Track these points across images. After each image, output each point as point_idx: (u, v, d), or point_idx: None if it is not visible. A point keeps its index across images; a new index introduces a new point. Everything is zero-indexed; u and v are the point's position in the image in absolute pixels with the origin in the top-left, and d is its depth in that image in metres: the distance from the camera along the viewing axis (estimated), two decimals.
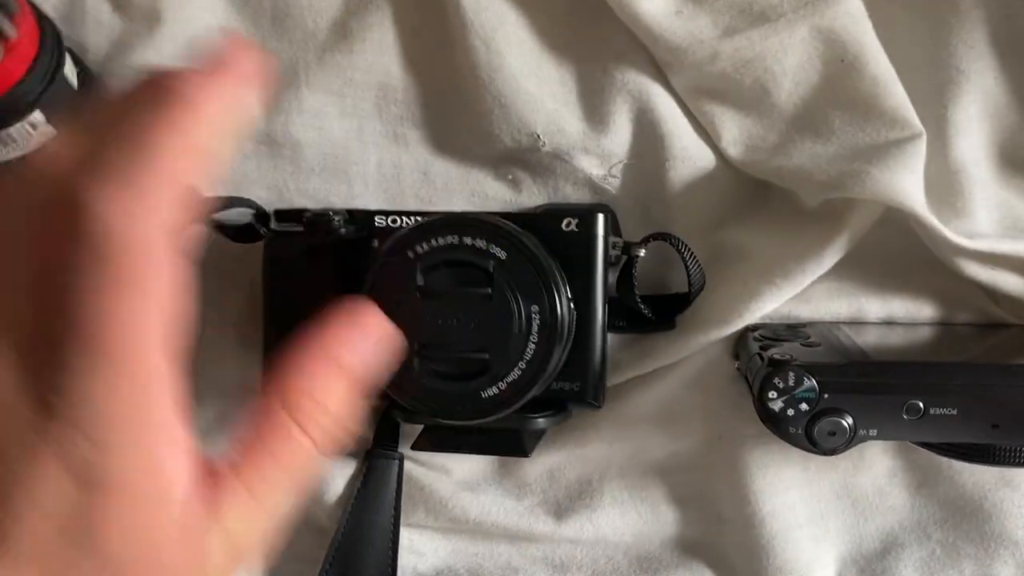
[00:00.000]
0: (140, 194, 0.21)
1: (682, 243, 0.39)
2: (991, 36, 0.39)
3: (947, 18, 0.40)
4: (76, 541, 0.21)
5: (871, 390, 0.34)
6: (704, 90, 0.40)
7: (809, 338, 0.38)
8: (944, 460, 0.40)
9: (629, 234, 0.41)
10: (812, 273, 0.38)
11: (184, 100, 0.22)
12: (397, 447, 0.43)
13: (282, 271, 0.39)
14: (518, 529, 0.42)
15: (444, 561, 0.44)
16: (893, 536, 0.41)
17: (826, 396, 0.34)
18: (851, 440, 0.35)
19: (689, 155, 0.40)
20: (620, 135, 0.40)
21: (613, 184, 0.41)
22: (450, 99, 0.42)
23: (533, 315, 0.34)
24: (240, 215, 0.40)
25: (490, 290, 0.34)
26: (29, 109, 0.38)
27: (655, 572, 0.43)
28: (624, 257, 0.39)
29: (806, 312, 0.40)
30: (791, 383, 0.34)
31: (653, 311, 0.40)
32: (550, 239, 0.36)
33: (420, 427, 0.41)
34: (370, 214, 0.37)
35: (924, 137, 0.38)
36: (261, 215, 0.40)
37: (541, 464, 0.43)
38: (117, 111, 0.22)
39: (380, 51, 0.42)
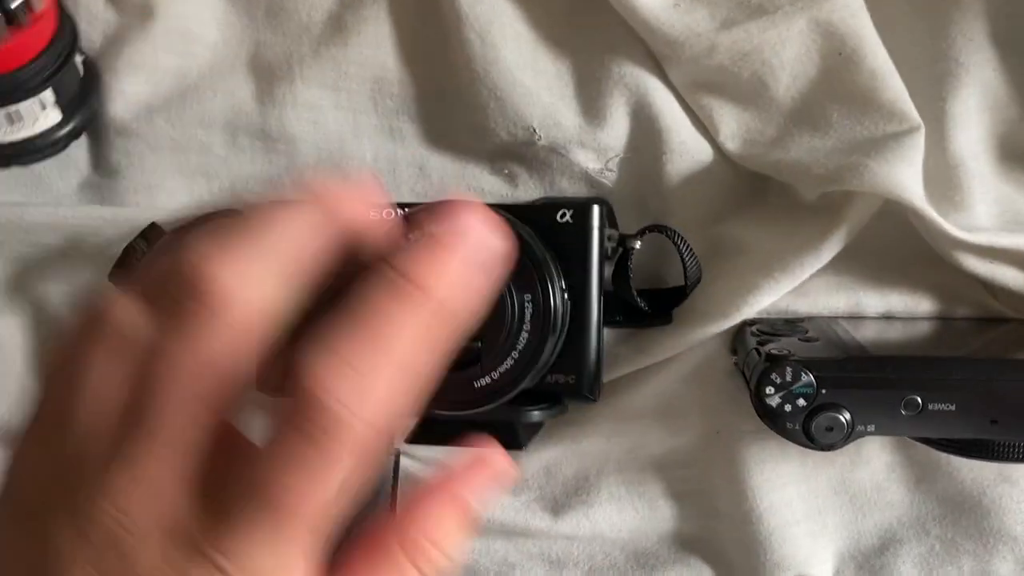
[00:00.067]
0: (373, 393, 0.21)
1: (678, 235, 0.39)
2: (990, 28, 0.39)
3: (946, 10, 0.39)
4: None
5: (869, 385, 0.34)
6: (702, 83, 0.40)
7: (807, 333, 0.38)
8: (943, 456, 0.40)
9: (626, 228, 0.41)
10: (810, 267, 0.38)
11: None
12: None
13: None
14: (514, 525, 0.42)
15: None
16: (891, 532, 0.41)
17: (824, 391, 0.34)
18: (849, 436, 0.34)
19: (687, 149, 0.40)
20: (617, 129, 0.40)
21: (610, 178, 0.41)
22: (446, 93, 0.41)
23: (526, 304, 0.34)
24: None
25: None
26: (42, 87, 0.39)
27: (652, 568, 0.42)
28: (620, 250, 0.39)
29: (804, 306, 0.40)
30: (788, 378, 0.34)
31: (649, 305, 0.40)
32: (545, 230, 0.35)
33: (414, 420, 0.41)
34: None
35: (922, 130, 0.38)
36: None
37: (538, 460, 0.43)
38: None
39: (375, 45, 0.41)
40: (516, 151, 0.41)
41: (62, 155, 0.42)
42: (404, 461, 0.42)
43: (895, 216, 0.38)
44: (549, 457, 0.43)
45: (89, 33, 0.42)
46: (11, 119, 0.39)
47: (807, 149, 0.39)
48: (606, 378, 0.41)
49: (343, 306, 0.21)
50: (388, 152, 0.42)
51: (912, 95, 0.38)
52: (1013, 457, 0.35)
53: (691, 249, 0.39)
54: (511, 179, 0.42)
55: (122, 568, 0.20)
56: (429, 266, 0.22)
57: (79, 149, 0.42)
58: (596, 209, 0.36)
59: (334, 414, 0.20)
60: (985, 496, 0.40)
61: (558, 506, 0.43)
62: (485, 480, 0.25)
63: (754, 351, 0.36)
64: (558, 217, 0.36)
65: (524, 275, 0.34)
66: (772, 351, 0.35)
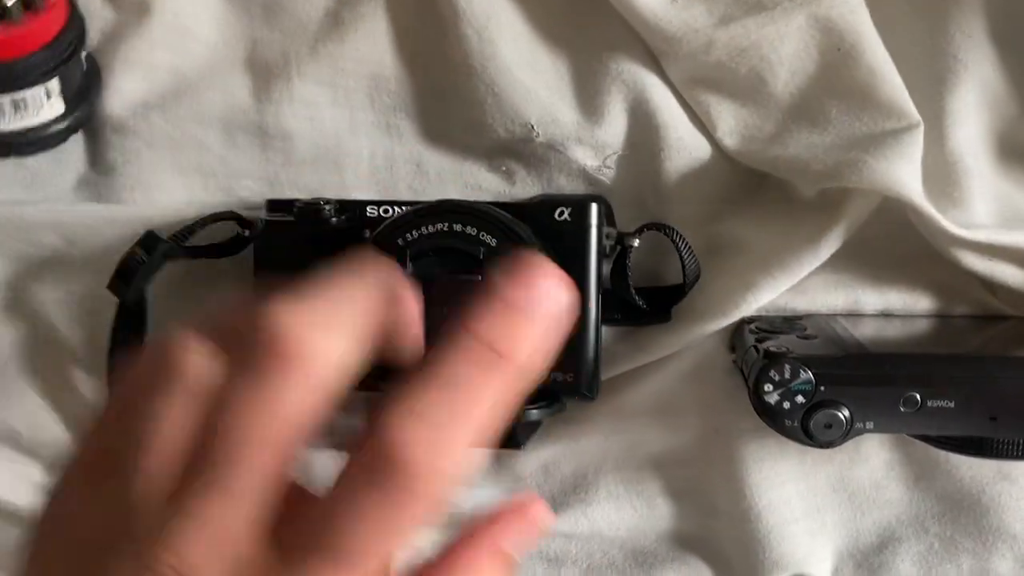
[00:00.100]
0: (451, 452, 0.22)
1: (677, 233, 0.39)
2: (990, 25, 0.39)
3: (945, 7, 0.39)
4: None
5: (868, 382, 0.34)
6: (700, 80, 0.40)
7: (806, 330, 0.38)
8: (942, 453, 0.40)
9: (624, 225, 0.40)
10: (808, 264, 0.38)
11: None
12: None
13: (273, 262, 0.38)
14: None
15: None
16: (890, 530, 0.41)
17: (822, 388, 0.34)
18: (848, 433, 0.34)
19: (685, 145, 0.40)
20: (615, 126, 0.40)
21: (608, 175, 0.41)
22: (443, 89, 0.41)
23: None
24: (222, 230, 0.40)
25: (480, 277, 0.33)
26: (50, 75, 0.39)
27: (650, 566, 0.42)
28: (618, 248, 0.39)
29: (803, 304, 0.40)
30: (787, 375, 0.34)
31: (648, 303, 0.40)
32: (543, 229, 0.35)
33: None
34: (361, 204, 0.37)
35: (921, 127, 0.38)
36: (245, 222, 0.40)
37: (536, 458, 0.43)
38: None
39: (372, 41, 0.41)
40: (514, 148, 0.41)
41: (59, 152, 0.42)
42: None
43: (894, 213, 0.38)
44: (547, 455, 0.43)
45: (87, 30, 0.42)
46: (16, 106, 0.39)
47: (806, 145, 0.39)
48: (604, 376, 0.41)
49: (427, 368, 0.23)
50: (385, 149, 0.42)
51: (911, 92, 0.38)
52: (1012, 454, 0.35)
53: (690, 247, 0.39)
54: (509, 176, 0.41)
55: None
56: (512, 336, 0.23)
57: (76, 146, 0.42)
58: (594, 208, 0.36)
59: (414, 473, 0.21)
60: (984, 494, 0.40)
61: (556, 504, 0.42)
62: (524, 530, 0.26)
63: (753, 348, 0.36)
64: (556, 216, 0.36)
65: None
66: (771, 348, 0.35)
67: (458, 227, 0.34)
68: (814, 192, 0.39)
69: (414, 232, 0.34)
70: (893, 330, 0.39)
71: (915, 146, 0.37)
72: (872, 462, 0.41)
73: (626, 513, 0.42)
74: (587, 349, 0.36)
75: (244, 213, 0.40)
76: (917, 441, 0.39)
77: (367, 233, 0.36)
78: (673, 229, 0.39)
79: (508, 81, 0.39)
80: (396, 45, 0.42)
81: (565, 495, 0.43)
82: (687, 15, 0.39)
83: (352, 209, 0.37)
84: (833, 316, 0.40)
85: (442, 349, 0.23)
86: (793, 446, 0.39)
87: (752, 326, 0.38)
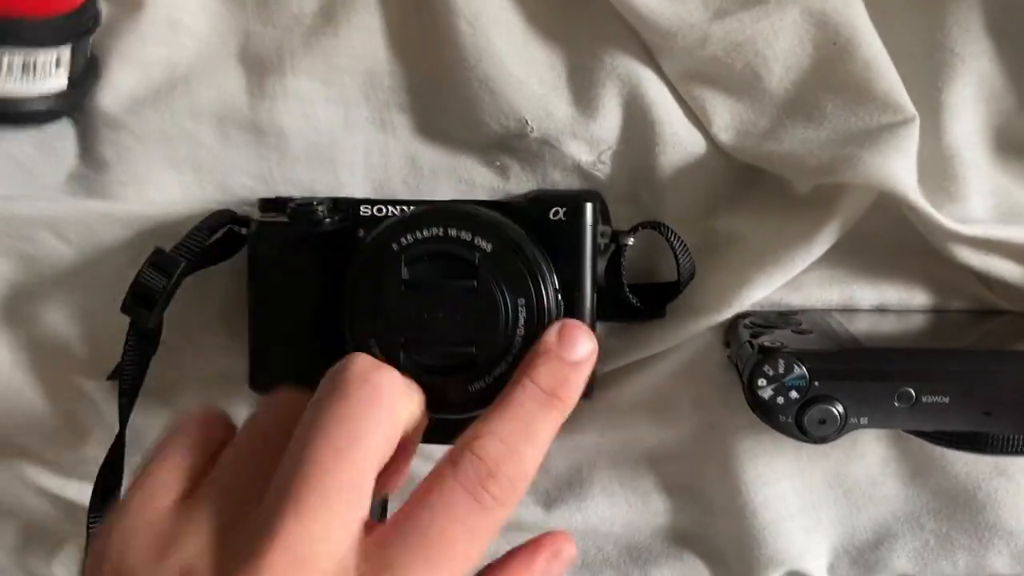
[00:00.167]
0: (522, 466, 0.30)
1: (671, 231, 0.39)
2: (987, 17, 0.39)
3: (942, 0, 0.39)
4: None
5: (862, 377, 0.34)
6: (695, 74, 0.40)
7: (800, 325, 0.37)
8: (937, 449, 0.40)
9: (619, 220, 0.40)
10: (803, 260, 0.38)
11: None
12: None
13: (267, 261, 0.38)
14: (507, 519, 0.42)
15: None
16: (886, 527, 0.41)
17: (816, 384, 0.34)
18: (842, 428, 0.34)
19: (680, 141, 0.40)
20: (609, 120, 0.40)
21: (602, 170, 0.41)
22: (437, 84, 0.41)
23: (520, 308, 0.34)
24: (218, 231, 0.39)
25: (475, 283, 0.33)
26: (65, 42, 0.38)
27: (645, 563, 0.42)
28: (613, 246, 0.39)
29: (797, 300, 0.40)
30: (781, 370, 0.34)
31: (643, 300, 0.39)
32: (537, 229, 0.35)
33: None
34: (355, 203, 0.37)
35: (917, 121, 0.37)
36: (240, 220, 0.39)
37: None
38: None
39: (366, 35, 0.41)
40: (508, 143, 0.41)
41: (49, 147, 0.42)
42: None
43: (890, 209, 0.37)
44: None
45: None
46: (24, 68, 0.38)
47: (801, 140, 0.38)
48: (599, 372, 0.41)
49: (498, 404, 0.31)
50: (379, 144, 0.42)
51: (907, 85, 0.38)
52: (1007, 450, 0.35)
53: (685, 246, 0.39)
54: (503, 172, 0.41)
55: None
56: (564, 385, 0.32)
57: (67, 141, 0.42)
58: (589, 207, 0.36)
59: (487, 471, 0.28)
60: (980, 490, 0.40)
61: (550, 500, 0.42)
62: (556, 566, 0.32)
63: (747, 343, 0.36)
64: (551, 215, 0.36)
65: (518, 279, 0.34)
66: (765, 343, 0.35)
67: (453, 232, 0.34)
68: (809, 187, 0.39)
69: (409, 236, 0.34)
70: (888, 325, 0.39)
71: (911, 141, 0.37)
72: (868, 458, 0.41)
73: (621, 509, 0.42)
74: None
75: (238, 210, 0.40)
76: (913, 437, 0.38)
77: (361, 233, 0.36)
78: (668, 228, 0.39)
79: (502, 75, 0.39)
80: (390, 40, 0.41)
81: (560, 491, 0.43)
82: (682, 9, 0.38)
83: (346, 209, 0.37)
84: (828, 311, 0.40)
85: (510, 391, 0.31)
86: (788, 442, 0.38)
87: (747, 321, 0.38)
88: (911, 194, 0.36)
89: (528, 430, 0.30)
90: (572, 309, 0.35)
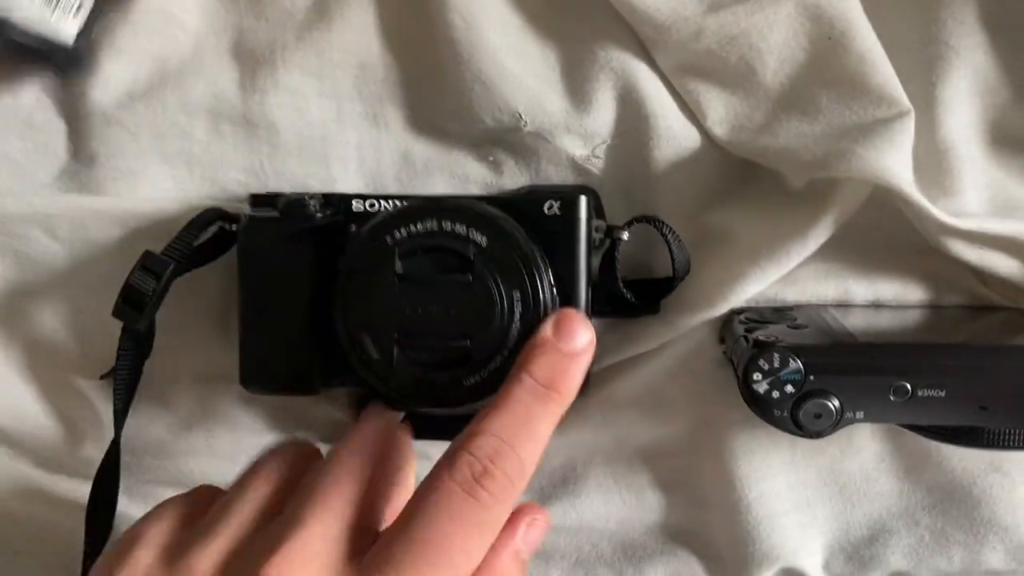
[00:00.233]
0: (520, 462, 0.30)
1: (666, 226, 0.39)
2: (981, 11, 0.39)
3: None
4: None
5: (857, 371, 0.34)
6: (689, 68, 0.40)
7: (795, 320, 0.37)
8: (933, 445, 0.39)
9: (613, 215, 0.40)
10: (797, 255, 0.37)
11: None
12: None
13: (257, 257, 0.38)
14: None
15: None
16: (881, 522, 0.41)
17: (812, 378, 0.34)
18: (837, 423, 0.34)
19: (674, 135, 0.40)
20: (604, 114, 0.40)
21: (596, 165, 0.40)
22: (430, 78, 0.41)
23: (515, 301, 0.33)
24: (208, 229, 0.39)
25: (470, 276, 0.33)
26: None
27: (640, 559, 0.42)
28: (607, 241, 0.38)
29: (793, 295, 0.40)
30: (776, 365, 0.34)
31: (637, 295, 0.39)
32: (532, 223, 0.35)
33: (402, 414, 0.40)
34: (347, 198, 0.36)
35: (912, 115, 0.37)
36: (230, 217, 0.39)
37: None
38: None
39: (359, 30, 0.41)
40: (502, 137, 0.40)
41: (40, 142, 0.41)
42: None
43: (885, 203, 0.37)
44: None
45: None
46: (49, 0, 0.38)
47: (795, 135, 0.38)
48: (594, 368, 0.40)
49: (496, 401, 0.30)
50: (372, 139, 0.41)
51: (902, 79, 0.38)
52: (1002, 444, 0.35)
53: (679, 240, 0.39)
54: (496, 167, 0.41)
55: None
56: (562, 377, 0.31)
57: (58, 136, 0.42)
58: (583, 201, 0.35)
59: (482, 469, 0.29)
60: (975, 486, 0.40)
61: (545, 496, 0.42)
62: (534, 534, 0.33)
63: (742, 338, 0.36)
64: (545, 209, 0.35)
65: (513, 272, 0.33)
66: (760, 338, 0.35)
67: (448, 225, 0.33)
68: (804, 182, 0.39)
69: (403, 230, 0.34)
70: (884, 321, 0.39)
71: (906, 134, 0.37)
72: (863, 454, 0.41)
73: (615, 506, 0.42)
74: None
75: (229, 207, 0.40)
76: (908, 433, 0.38)
77: (353, 228, 0.36)
78: (662, 222, 0.39)
79: (495, 70, 0.39)
80: (383, 34, 0.41)
81: (554, 487, 0.42)
82: (676, 3, 0.38)
83: (338, 203, 0.37)
84: (824, 306, 0.40)
85: (507, 386, 0.31)
86: (784, 438, 0.38)
87: (742, 317, 0.38)
88: (906, 188, 0.36)
89: (525, 425, 0.30)
90: (566, 304, 0.35)
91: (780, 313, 0.38)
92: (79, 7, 0.38)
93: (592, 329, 0.33)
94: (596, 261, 0.38)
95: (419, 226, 0.34)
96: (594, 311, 0.37)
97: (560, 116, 0.39)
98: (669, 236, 0.39)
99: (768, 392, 0.34)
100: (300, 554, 0.28)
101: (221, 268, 0.40)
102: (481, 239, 0.33)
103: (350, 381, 0.37)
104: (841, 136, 0.37)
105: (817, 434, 0.34)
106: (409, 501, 0.29)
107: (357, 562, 0.29)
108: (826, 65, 0.38)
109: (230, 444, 0.42)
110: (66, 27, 0.39)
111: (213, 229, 0.39)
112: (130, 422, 0.41)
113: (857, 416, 0.34)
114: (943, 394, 0.33)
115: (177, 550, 0.30)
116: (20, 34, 0.38)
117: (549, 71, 0.40)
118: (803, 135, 0.38)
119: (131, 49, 0.41)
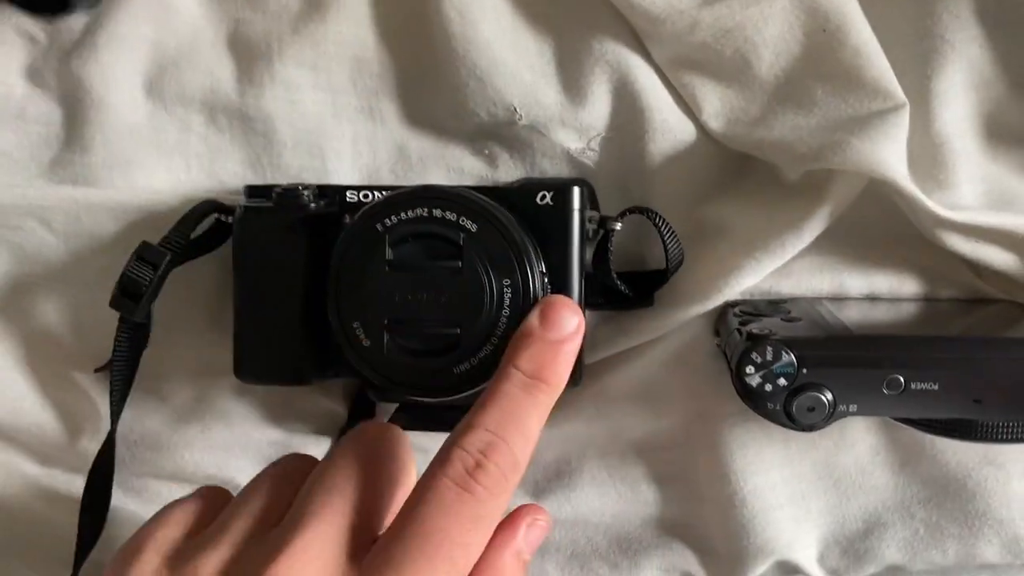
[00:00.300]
0: (511, 455, 0.30)
1: (660, 217, 0.38)
2: (977, 5, 0.38)
3: None
4: None
5: (851, 364, 0.34)
6: (684, 61, 0.39)
7: (790, 313, 0.37)
8: (927, 438, 0.39)
9: (607, 208, 0.40)
10: (792, 247, 0.37)
11: None
12: None
13: (252, 248, 0.38)
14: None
15: None
16: (876, 516, 0.41)
17: (805, 371, 0.34)
18: (831, 416, 0.34)
19: (669, 128, 0.40)
20: (599, 107, 0.40)
21: (591, 158, 0.40)
22: (425, 72, 0.41)
23: (505, 289, 0.33)
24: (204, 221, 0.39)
25: (460, 264, 0.33)
26: None
27: (634, 552, 0.42)
28: (601, 232, 0.38)
29: (787, 287, 0.40)
30: (769, 357, 0.34)
31: (631, 287, 0.39)
32: (524, 213, 0.35)
33: (395, 405, 0.40)
34: (341, 189, 0.37)
35: (907, 108, 0.37)
36: (226, 209, 0.39)
37: None
38: None
39: (355, 23, 0.41)
40: (497, 131, 0.40)
41: (33, 131, 0.41)
42: None
43: (880, 196, 0.37)
44: None
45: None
46: None
47: (791, 127, 0.38)
48: (587, 361, 0.40)
49: (484, 396, 0.30)
50: (368, 132, 0.41)
51: (897, 72, 0.38)
52: (996, 437, 0.35)
53: (673, 232, 0.39)
54: (492, 160, 0.41)
55: None
56: (550, 367, 0.31)
57: (52, 126, 0.42)
58: (576, 191, 0.35)
59: (473, 464, 0.29)
60: (970, 479, 0.40)
61: (539, 490, 0.42)
62: (536, 533, 0.33)
63: (736, 331, 0.36)
64: (538, 199, 0.35)
65: (503, 260, 0.33)
66: (753, 330, 0.34)
67: (438, 212, 0.33)
68: (799, 174, 0.39)
69: (393, 217, 0.34)
70: (878, 314, 0.39)
71: (901, 127, 0.37)
72: (857, 448, 0.41)
73: (610, 499, 0.42)
74: None
75: (225, 199, 0.40)
76: (902, 426, 0.38)
77: (347, 218, 0.36)
78: (656, 213, 0.39)
79: (490, 63, 0.39)
80: (378, 28, 0.41)
81: (548, 481, 0.42)
82: None
83: (332, 194, 0.37)
84: (818, 299, 0.40)
85: (496, 380, 0.31)
86: (778, 431, 0.38)
87: (736, 309, 0.38)
88: (901, 180, 0.36)
89: (515, 418, 0.30)
90: (560, 293, 0.35)
91: (775, 306, 0.38)
92: None
93: (580, 313, 0.32)
94: (589, 252, 0.38)
95: (409, 213, 0.34)
96: (588, 303, 0.36)
97: (555, 109, 0.39)
98: (662, 227, 0.39)
99: (761, 385, 0.34)
100: (302, 556, 0.28)
101: (217, 261, 0.40)
102: (471, 226, 0.33)
103: (344, 372, 0.37)
104: (836, 129, 0.37)
105: (810, 427, 0.34)
106: (406, 500, 0.29)
107: (358, 562, 0.29)
108: (821, 58, 0.38)
109: (225, 436, 0.42)
110: None
111: (209, 221, 0.39)
112: (125, 415, 0.41)
113: (850, 409, 0.34)
114: (937, 387, 0.33)
115: (183, 555, 0.30)
116: None
117: (544, 64, 0.40)
118: (798, 128, 0.38)
119: (129, 35, 0.41)
